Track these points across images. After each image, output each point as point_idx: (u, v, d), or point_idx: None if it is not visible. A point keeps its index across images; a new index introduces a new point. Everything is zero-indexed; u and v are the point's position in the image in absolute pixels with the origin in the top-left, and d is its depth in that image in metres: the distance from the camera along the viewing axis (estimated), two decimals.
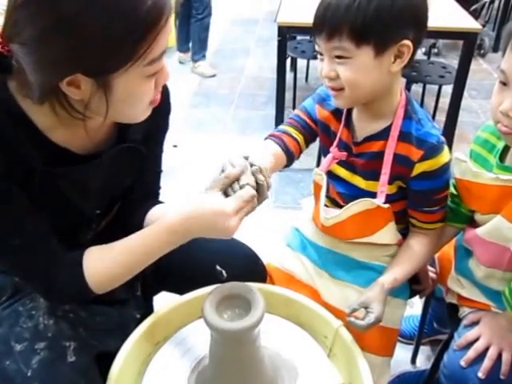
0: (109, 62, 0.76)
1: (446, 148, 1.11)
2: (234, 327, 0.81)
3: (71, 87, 0.78)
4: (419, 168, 1.10)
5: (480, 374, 1.07)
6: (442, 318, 1.62)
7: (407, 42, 1.02)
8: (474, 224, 1.16)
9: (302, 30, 2.89)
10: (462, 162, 1.10)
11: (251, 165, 0.95)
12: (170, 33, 0.83)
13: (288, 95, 3.22)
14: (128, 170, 1.06)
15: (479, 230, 1.11)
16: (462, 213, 1.20)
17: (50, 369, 0.91)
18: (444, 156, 1.10)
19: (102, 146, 0.97)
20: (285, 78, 2.86)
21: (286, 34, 2.74)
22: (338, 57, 1.03)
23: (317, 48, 1.08)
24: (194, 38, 4.22)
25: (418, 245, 1.20)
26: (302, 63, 3.92)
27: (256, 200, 0.93)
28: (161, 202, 1.16)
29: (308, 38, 3.78)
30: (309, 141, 1.27)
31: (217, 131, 3.39)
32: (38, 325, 0.96)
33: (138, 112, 0.90)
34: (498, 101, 0.99)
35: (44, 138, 0.88)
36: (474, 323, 1.17)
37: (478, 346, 1.11)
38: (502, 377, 1.07)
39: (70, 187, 0.94)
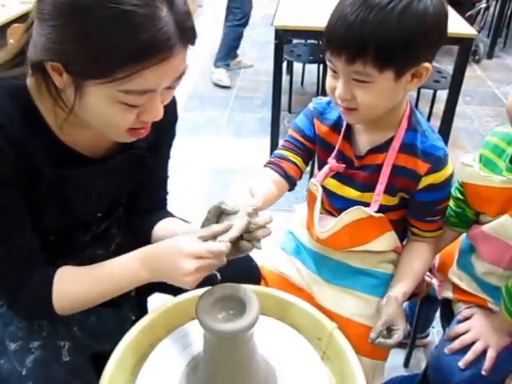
0: (84, 67, 0.76)
1: (449, 160, 1.11)
2: (229, 328, 0.81)
3: (55, 73, 0.79)
4: (426, 181, 1.10)
5: (460, 364, 1.11)
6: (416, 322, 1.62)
7: (427, 65, 1.00)
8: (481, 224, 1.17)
9: (299, 33, 2.90)
10: (467, 166, 1.11)
11: (250, 229, 0.89)
12: (171, 76, 0.81)
13: (284, 98, 3.22)
14: (131, 175, 1.06)
15: (485, 226, 1.12)
16: (467, 217, 1.21)
17: (45, 368, 0.91)
18: (449, 168, 1.11)
19: (109, 150, 0.98)
20: (281, 80, 2.86)
21: (283, 37, 2.74)
22: (357, 80, 0.98)
23: (329, 65, 1.02)
24: (223, 42, 4.09)
25: (420, 254, 1.20)
26: (297, 67, 3.93)
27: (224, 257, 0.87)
28: (170, 213, 1.16)
29: (303, 41, 3.79)
30: (307, 161, 1.26)
31: (212, 134, 3.39)
32: (33, 325, 0.96)
33: (113, 134, 0.88)
34: None
35: (55, 138, 0.90)
36: (467, 319, 1.19)
37: (465, 338, 1.14)
38: (483, 372, 1.10)
39: (74, 189, 0.95)
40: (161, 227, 1.10)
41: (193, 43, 0.81)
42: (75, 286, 0.92)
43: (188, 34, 0.80)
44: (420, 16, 0.94)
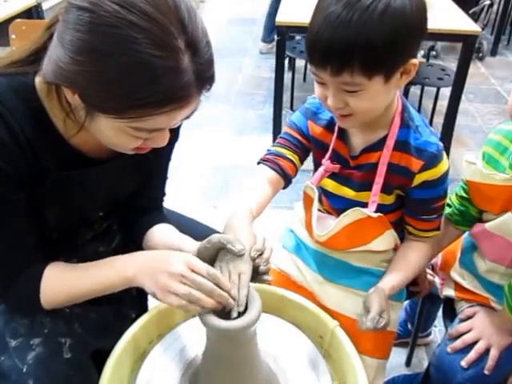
0: (97, 102, 0.77)
1: (445, 155, 1.09)
2: (230, 326, 0.81)
3: (69, 90, 0.78)
4: (420, 178, 1.08)
5: (463, 363, 1.11)
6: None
7: (414, 61, 0.98)
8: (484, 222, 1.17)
9: (301, 29, 2.89)
10: (471, 164, 1.10)
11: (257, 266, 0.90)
12: (182, 117, 0.81)
13: (285, 95, 3.21)
14: (134, 175, 1.07)
15: (487, 224, 1.12)
16: (470, 215, 1.21)
17: (46, 365, 0.91)
18: (444, 164, 1.08)
19: (113, 151, 0.98)
20: (283, 77, 2.85)
21: (285, 33, 2.73)
22: (347, 90, 0.96)
23: (315, 78, 1.00)
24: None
25: (414, 253, 1.18)
26: (299, 63, 3.92)
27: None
28: (165, 217, 1.16)
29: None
30: (303, 159, 1.24)
31: (213, 131, 3.38)
32: (34, 321, 0.96)
33: (119, 149, 0.90)
34: None
35: (61, 139, 0.90)
36: (470, 317, 1.18)
37: (467, 337, 1.14)
38: (486, 372, 1.10)
39: (78, 190, 0.96)
40: (155, 233, 1.09)
41: (209, 90, 0.81)
42: (62, 283, 0.93)
43: (206, 83, 0.80)
44: (400, 13, 0.91)
